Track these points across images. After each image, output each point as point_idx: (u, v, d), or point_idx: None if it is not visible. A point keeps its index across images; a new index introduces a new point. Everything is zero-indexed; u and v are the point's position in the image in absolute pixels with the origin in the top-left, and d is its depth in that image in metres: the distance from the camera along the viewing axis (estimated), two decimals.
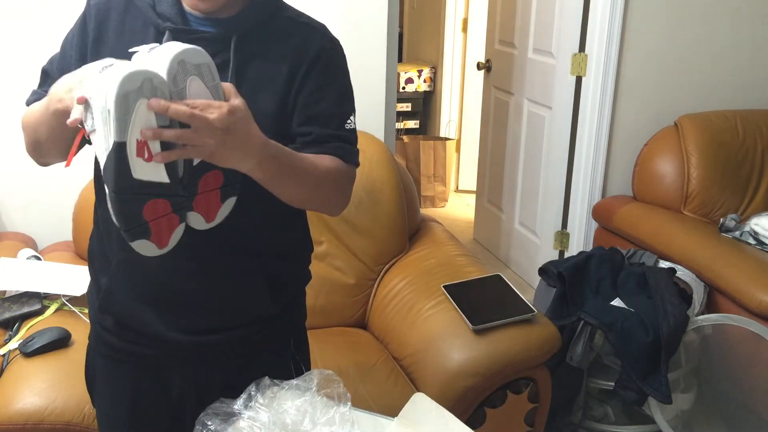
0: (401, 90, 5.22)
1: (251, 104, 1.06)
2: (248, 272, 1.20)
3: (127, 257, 1.16)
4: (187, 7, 1.16)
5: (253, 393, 1.08)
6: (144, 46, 1.02)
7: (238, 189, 1.09)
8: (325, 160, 1.16)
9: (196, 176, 1.03)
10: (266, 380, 1.11)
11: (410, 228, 2.41)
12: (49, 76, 1.21)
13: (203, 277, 1.18)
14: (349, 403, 1.10)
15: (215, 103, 0.97)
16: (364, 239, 2.28)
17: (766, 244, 2.57)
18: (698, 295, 2.43)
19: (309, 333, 1.43)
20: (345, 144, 1.20)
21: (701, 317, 2.30)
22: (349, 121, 1.21)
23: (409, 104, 5.35)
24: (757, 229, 2.61)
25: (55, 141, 1.12)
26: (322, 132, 1.17)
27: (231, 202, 1.09)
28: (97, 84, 0.95)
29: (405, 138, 5.01)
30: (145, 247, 1.01)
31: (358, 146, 1.24)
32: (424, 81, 5.29)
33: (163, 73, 0.95)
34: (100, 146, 0.96)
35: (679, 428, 2.29)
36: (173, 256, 1.12)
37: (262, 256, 1.22)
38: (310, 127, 1.17)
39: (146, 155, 0.95)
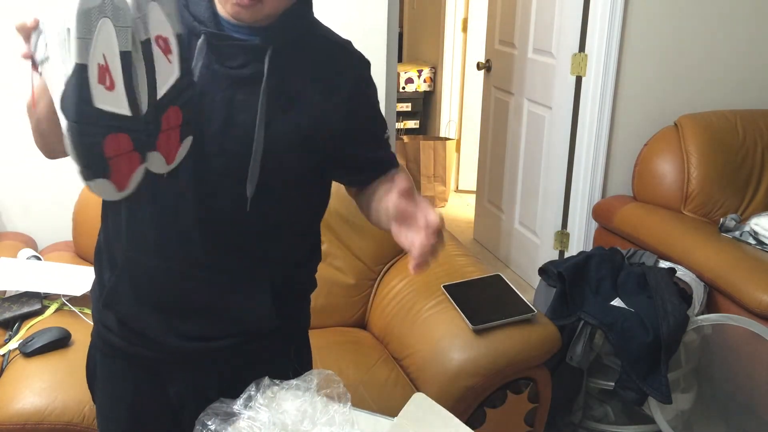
0: (401, 90, 5.22)
1: (283, 119, 1.04)
2: (254, 279, 1.19)
3: (133, 256, 1.16)
4: (221, 12, 1.10)
5: (253, 393, 1.08)
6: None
7: (194, 128, 1.04)
8: (396, 175, 1.22)
9: (160, 111, 0.95)
10: (266, 380, 1.10)
11: None
12: None
13: (208, 282, 1.17)
14: (349, 403, 1.10)
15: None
16: (364, 239, 2.28)
17: (766, 244, 2.57)
18: (698, 295, 2.43)
19: (309, 333, 1.42)
20: (389, 153, 1.26)
21: (701, 317, 2.30)
22: (386, 132, 1.28)
23: (409, 104, 5.35)
24: (757, 229, 2.60)
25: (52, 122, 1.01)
26: (373, 155, 1.24)
27: (188, 142, 1.02)
28: (52, 5, 0.85)
29: (405, 138, 5.01)
30: (103, 188, 0.91)
31: None
32: (424, 81, 5.29)
33: None
34: (57, 74, 0.85)
35: (679, 428, 2.29)
36: (179, 259, 1.11)
37: (270, 264, 1.21)
38: (357, 149, 1.22)
39: (108, 82, 0.86)
